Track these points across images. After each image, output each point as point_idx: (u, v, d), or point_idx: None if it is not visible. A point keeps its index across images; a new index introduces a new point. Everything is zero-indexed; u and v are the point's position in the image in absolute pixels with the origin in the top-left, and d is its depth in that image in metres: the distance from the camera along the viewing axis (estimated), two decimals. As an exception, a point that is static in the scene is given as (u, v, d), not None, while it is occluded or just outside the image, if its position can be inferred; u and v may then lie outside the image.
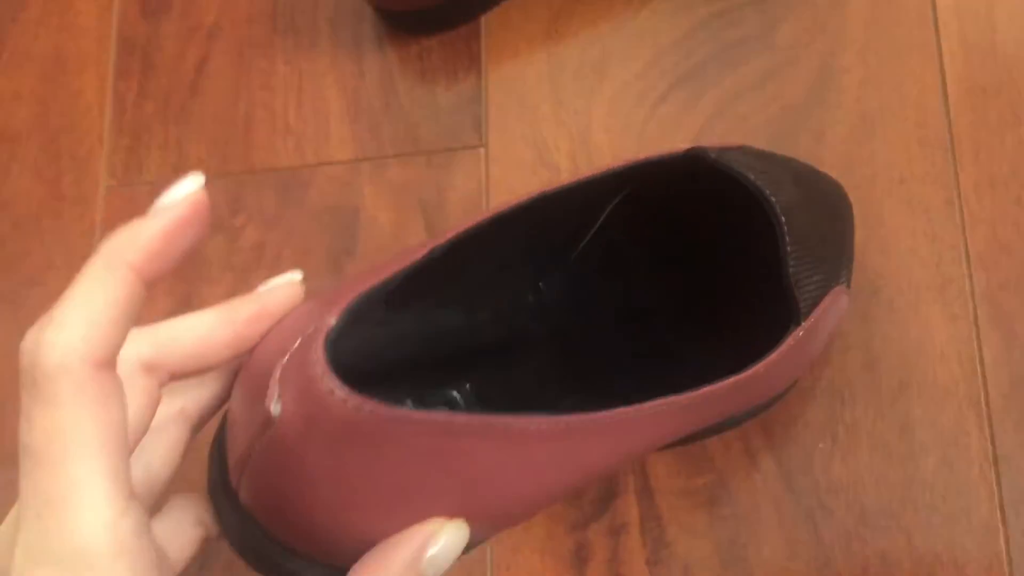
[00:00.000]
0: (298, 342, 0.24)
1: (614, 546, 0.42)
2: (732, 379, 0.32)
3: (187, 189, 0.24)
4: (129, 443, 0.23)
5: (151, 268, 0.22)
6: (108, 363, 0.22)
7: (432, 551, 0.25)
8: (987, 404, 0.40)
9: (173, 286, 0.49)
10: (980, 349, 0.41)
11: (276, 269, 0.48)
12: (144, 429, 0.25)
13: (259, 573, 0.27)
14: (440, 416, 0.25)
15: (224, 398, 0.29)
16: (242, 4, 0.53)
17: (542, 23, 0.49)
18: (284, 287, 0.27)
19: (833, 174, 0.42)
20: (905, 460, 0.40)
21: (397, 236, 0.48)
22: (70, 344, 0.21)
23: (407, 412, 0.24)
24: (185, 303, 0.49)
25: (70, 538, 0.21)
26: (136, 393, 0.25)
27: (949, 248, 0.42)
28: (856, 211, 0.43)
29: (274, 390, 0.23)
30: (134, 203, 0.51)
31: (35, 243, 0.52)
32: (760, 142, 0.45)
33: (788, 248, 0.34)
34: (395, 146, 0.49)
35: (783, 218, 0.34)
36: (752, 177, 0.35)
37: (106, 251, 0.22)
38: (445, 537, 0.25)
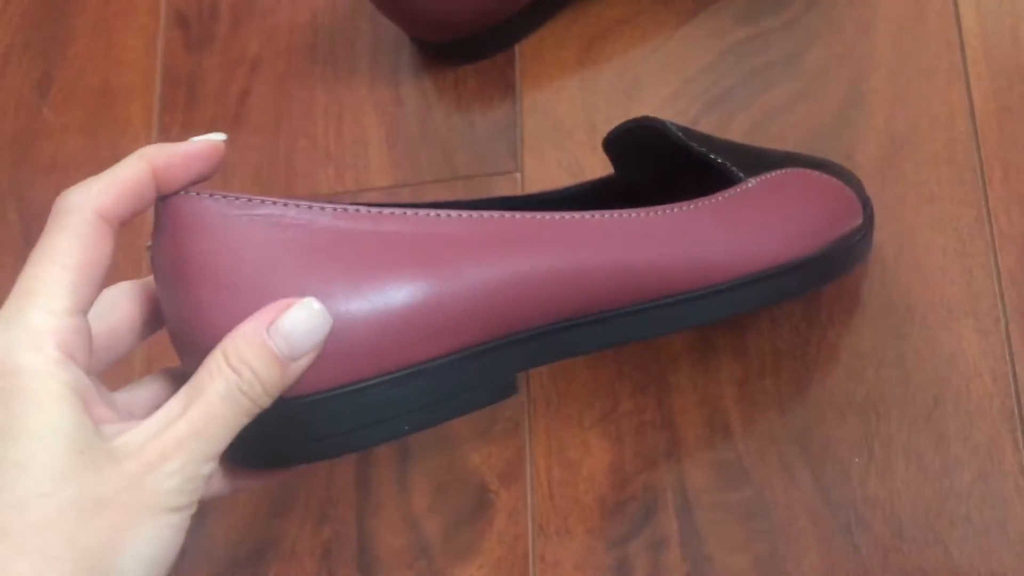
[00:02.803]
0: None
1: (654, 562, 0.42)
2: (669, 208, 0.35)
3: (213, 137, 0.30)
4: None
5: (164, 169, 0.29)
6: (107, 218, 0.28)
7: (281, 320, 0.28)
8: (1021, 419, 0.41)
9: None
10: (1013, 365, 0.41)
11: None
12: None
13: None
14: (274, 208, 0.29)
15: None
16: (283, 37, 0.55)
17: (575, 51, 0.51)
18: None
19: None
20: (940, 474, 0.41)
21: (437, 260, 0.49)
22: (86, 195, 0.28)
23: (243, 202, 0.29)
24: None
25: (21, 313, 0.27)
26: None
27: (979, 266, 0.43)
28: (887, 230, 0.44)
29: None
30: (180, 230, 0.53)
31: (85, 270, 0.53)
32: (791, 164, 0.46)
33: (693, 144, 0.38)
34: (433, 172, 0.51)
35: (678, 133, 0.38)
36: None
37: (142, 149, 0.29)
38: (297, 308, 0.28)
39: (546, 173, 0.49)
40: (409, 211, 0.31)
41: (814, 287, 0.41)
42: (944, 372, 0.42)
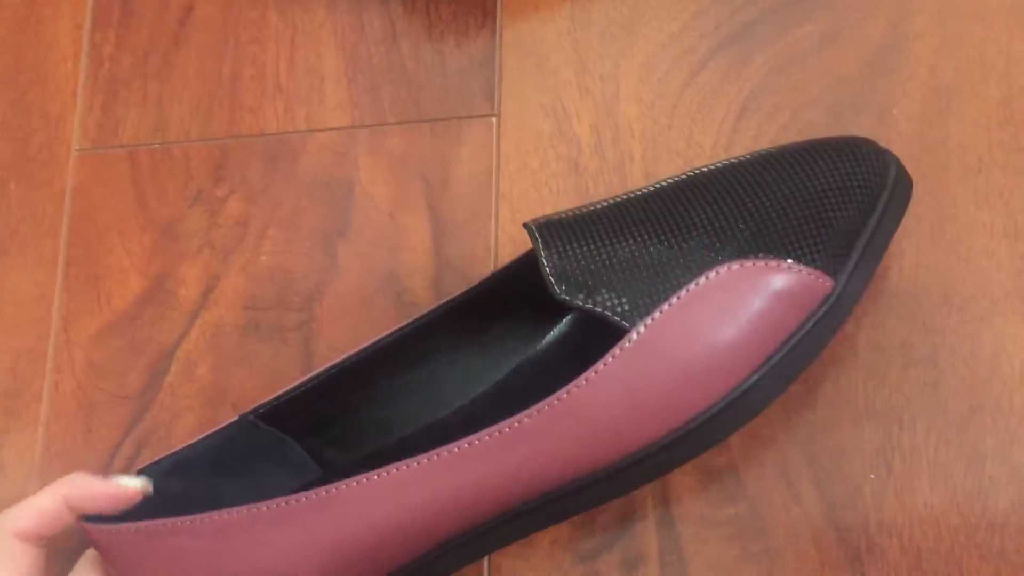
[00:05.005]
0: None
1: (628, 580, 0.36)
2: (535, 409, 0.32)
3: (138, 483, 0.36)
4: None
5: (80, 502, 0.35)
6: (27, 537, 0.35)
7: None
8: (1073, 436, 0.34)
9: (146, 266, 0.44)
10: (1067, 371, 0.35)
11: (259, 249, 0.43)
12: None
13: None
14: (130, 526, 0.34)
15: None
16: (233, -54, 0.48)
17: (567, -26, 0.43)
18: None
19: (900, 158, 0.36)
20: (972, 498, 0.35)
21: (394, 215, 0.42)
22: (6, 521, 0.35)
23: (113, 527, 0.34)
24: (159, 285, 0.44)
25: None
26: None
27: (1034, 250, 0.36)
28: (925, 203, 0.37)
29: None
30: (107, 169, 0.46)
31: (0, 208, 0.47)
32: (813, 117, 0.39)
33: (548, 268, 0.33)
34: (396, 112, 0.44)
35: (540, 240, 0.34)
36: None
37: (68, 477, 0.35)
38: None
39: (527, 118, 0.42)
40: (244, 509, 0.33)
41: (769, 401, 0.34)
42: (983, 376, 0.35)
